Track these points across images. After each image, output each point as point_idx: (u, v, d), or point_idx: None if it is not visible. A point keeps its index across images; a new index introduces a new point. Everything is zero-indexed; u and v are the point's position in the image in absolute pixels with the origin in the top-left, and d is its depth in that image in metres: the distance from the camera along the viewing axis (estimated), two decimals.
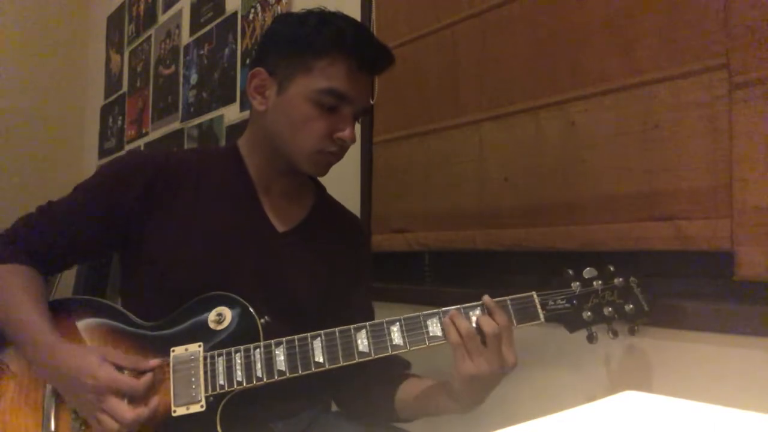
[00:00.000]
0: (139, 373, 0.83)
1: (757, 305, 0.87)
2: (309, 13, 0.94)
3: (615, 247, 1.03)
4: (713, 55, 0.92)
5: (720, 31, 0.91)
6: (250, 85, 0.96)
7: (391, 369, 0.99)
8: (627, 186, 1.02)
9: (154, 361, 0.84)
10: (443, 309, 0.84)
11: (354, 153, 1.56)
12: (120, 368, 0.82)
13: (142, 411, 0.79)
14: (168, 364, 0.86)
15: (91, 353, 0.83)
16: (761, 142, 0.86)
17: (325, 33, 0.90)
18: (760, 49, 0.87)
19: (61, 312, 0.92)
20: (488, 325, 0.79)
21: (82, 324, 0.91)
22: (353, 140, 0.94)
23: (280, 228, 1.01)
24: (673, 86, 0.96)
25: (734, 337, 0.87)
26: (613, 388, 1.02)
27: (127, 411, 0.78)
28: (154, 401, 0.82)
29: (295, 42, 0.92)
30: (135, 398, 0.81)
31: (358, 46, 0.91)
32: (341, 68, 0.90)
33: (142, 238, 0.94)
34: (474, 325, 0.81)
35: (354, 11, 1.59)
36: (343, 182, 1.12)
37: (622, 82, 1.03)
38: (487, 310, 0.82)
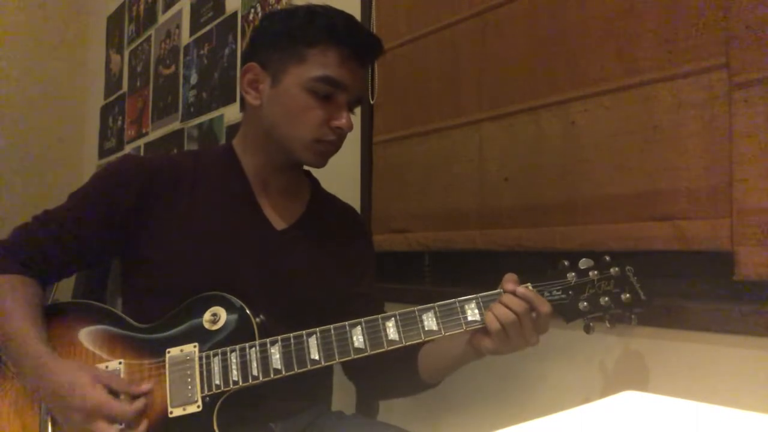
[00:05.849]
0: (132, 397, 0.82)
1: (757, 305, 0.87)
2: (297, 8, 0.96)
3: (615, 247, 1.02)
4: (713, 55, 0.91)
5: (720, 31, 0.91)
6: (243, 81, 0.96)
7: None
8: (627, 186, 1.02)
9: (146, 386, 0.83)
10: (438, 303, 0.84)
11: (354, 153, 1.56)
12: (112, 391, 0.81)
13: None
14: (164, 366, 0.85)
15: (83, 371, 0.81)
16: (761, 142, 0.86)
17: (316, 23, 0.92)
18: (760, 49, 0.86)
19: (56, 316, 0.91)
20: (544, 305, 0.81)
21: (77, 328, 0.91)
22: (350, 128, 0.94)
23: (279, 226, 1.01)
24: (673, 86, 0.96)
25: (734, 337, 0.87)
26: (613, 389, 1.01)
27: None
28: (143, 426, 0.81)
29: (286, 34, 0.93)
30: (125, 423, 0.80)
31: (349, 35, 0.93)
32: (334, 56, 0.91)
33: (141, 242, 0.94)
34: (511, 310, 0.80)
35: (354, 11, 1.59)
36: (343, 182, 1.12)
37: (622, 82, 1.03)
38: (528, 302, 0.81)
